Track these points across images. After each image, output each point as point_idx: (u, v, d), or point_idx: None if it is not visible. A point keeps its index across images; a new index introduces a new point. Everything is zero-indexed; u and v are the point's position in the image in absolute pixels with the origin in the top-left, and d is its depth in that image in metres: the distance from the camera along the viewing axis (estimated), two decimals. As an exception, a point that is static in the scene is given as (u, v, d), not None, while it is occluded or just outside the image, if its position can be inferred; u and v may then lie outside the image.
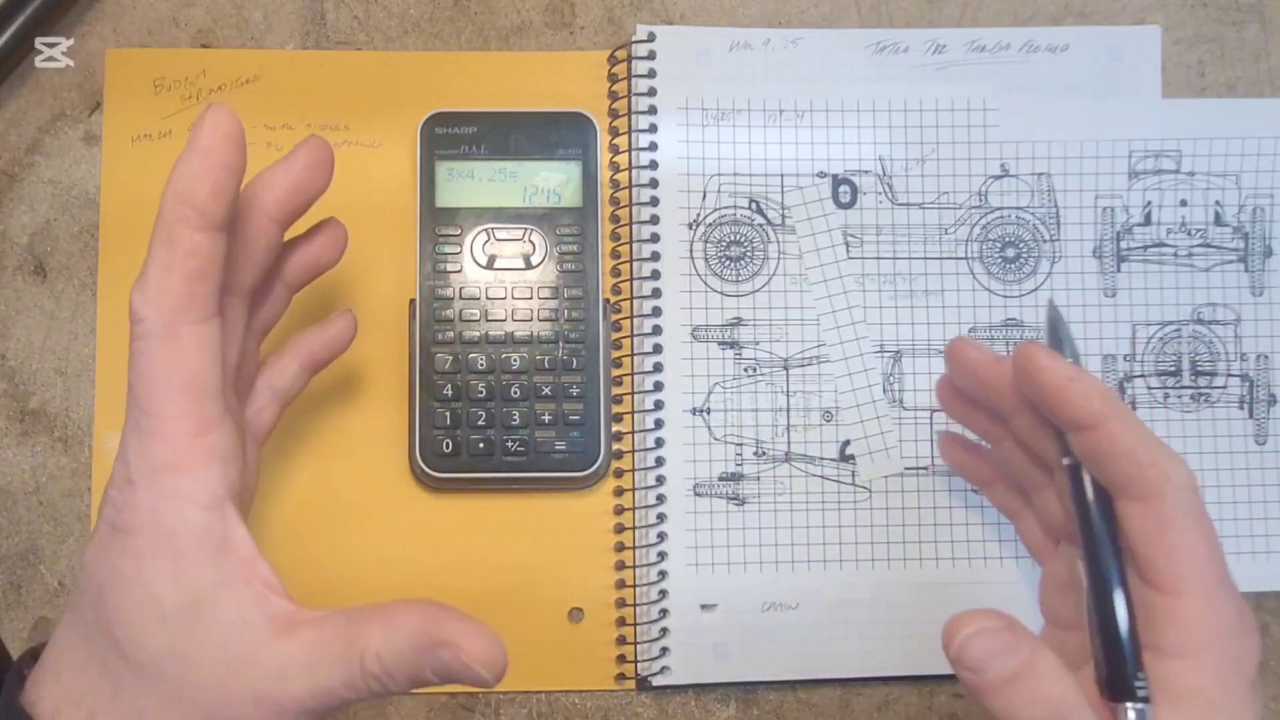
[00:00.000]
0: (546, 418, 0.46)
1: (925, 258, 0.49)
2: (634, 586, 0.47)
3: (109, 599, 0.30)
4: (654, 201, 0.48)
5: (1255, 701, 0.32)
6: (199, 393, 0.31)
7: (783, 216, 0.49)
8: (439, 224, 0.47)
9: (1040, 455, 0.38)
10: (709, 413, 0.48)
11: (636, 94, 0.49)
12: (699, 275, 0.49)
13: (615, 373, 0.48)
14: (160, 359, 0.30)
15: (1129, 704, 0.31)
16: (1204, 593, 0.32)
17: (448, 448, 0.46)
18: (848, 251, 0.49)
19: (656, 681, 0.47)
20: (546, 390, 0.46)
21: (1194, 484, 0.33)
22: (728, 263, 0.49)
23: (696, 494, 0.48)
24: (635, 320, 0.48)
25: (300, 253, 0.39)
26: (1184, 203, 0.50)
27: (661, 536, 0.47)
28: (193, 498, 0.30)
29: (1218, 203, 0.50)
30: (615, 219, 0.49)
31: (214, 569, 0.30)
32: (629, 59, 0.49)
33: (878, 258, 0.49)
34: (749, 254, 0.49)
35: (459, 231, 0.47)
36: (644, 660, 0.47)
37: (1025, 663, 0.30)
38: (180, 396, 0.30)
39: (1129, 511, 0.33)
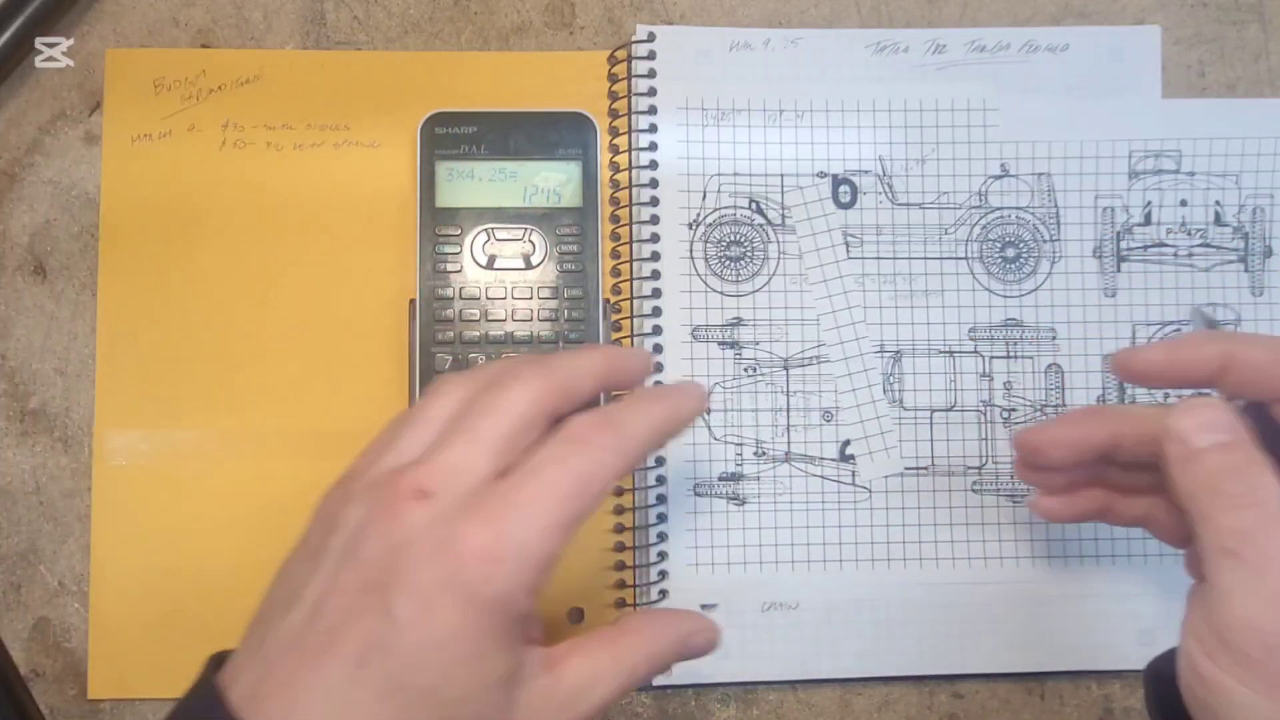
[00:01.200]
0: (546, 418, 0.46)
1: (925, 258, 0.49)
2: (634, 586, 0.47)
3: (438, 663, 0.31)
4: (654, 201, 0.48)
5: None
6: (587, 516, 0.33)
7: (783, 216, 0.49)
8: (439, 224, 0.47)
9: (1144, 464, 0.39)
10: (709, 412, 0.48)
11: (637, 94, 0.49)
12: (699, 275, 0.49)
13: (615, 373, 0.48)
14: (601, 486, 0.33)
15: None
16: (1263, 569, 0.32)
17: (448, 448, 0.46)
18: (848, 251, 0.49)
19: (656, 681, 0.47)
20: (546, 390, 0.46)
21: None
22: (728, 263, 0.49)
23: (697, 494, 0.48)
24: (635, 320, 0.48)
25: None
26: (1184, 203, 0.50)
27: (661, 536, 0.47)
28: (536, 590, 0.32)
29: (1218, 203, 0.50)
30: (615, 219, 0.49)
31: (523, 641, 0.33)
32: (629, 59, 0.49)
33: (878, 258, 0.49)
34: (749, 254, 0.49)
35: (459, 231, 0.47)
36: (644, 660, 0.47)
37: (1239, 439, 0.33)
38: (583, 518, 0.33)
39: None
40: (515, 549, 0.31)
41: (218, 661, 0.34)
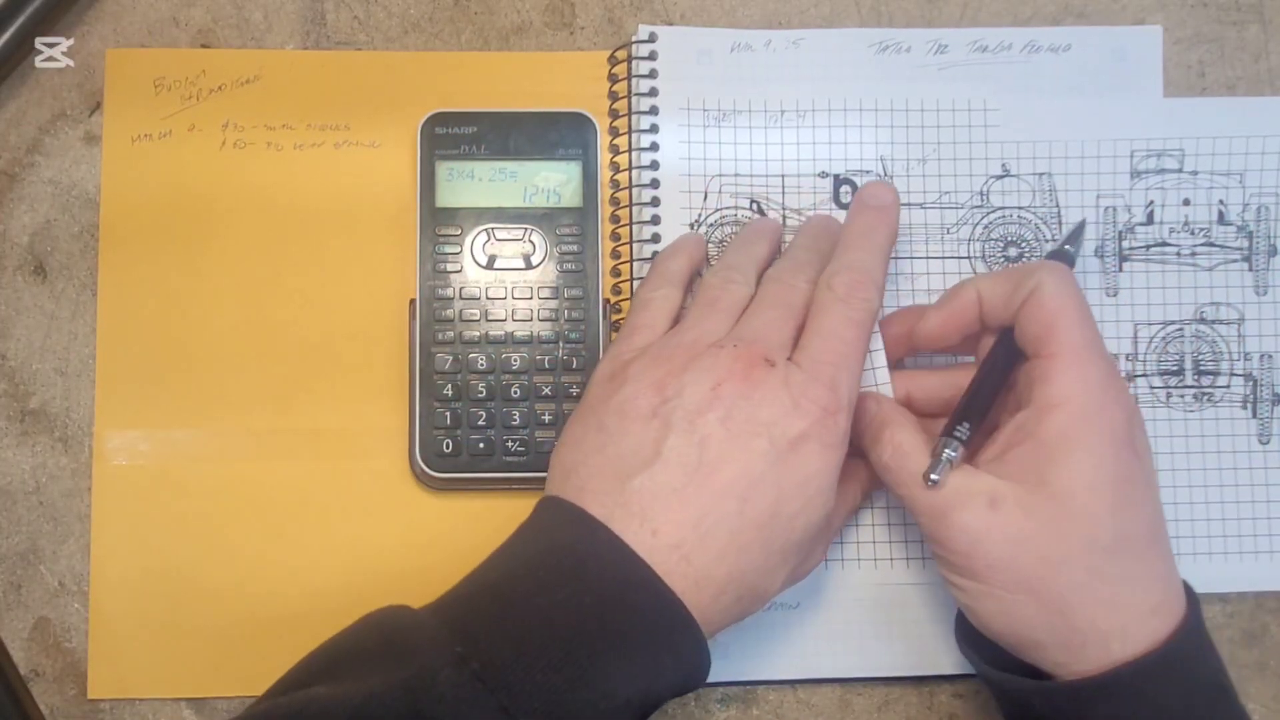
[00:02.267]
0: (547, 418, 0.46)
1: (927, 257, 0.49)
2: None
3: (809, 495, 0.38)
4: (655, 202, 0.48)
5: (1133, 462, 0.39)
6: None
7: (784, 217, 0.49)
8: (439, 224, 0.47)
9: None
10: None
11: (637, 94, 0.49)
12: (700, 275, 0.48)
13: (616, 373, 0.48)
14: (871, 327, 0.42)
15: (944, 438, 0.40)
16: (1073, 353, 0.39)
17: (448, 448, 0.46)
18: (849, 251, 0.49)
19: (657, 682, 0.47)
20: (547, 390, 0.46)
21: (1067, 274, 0.41)
22: (728, 263, 0.49)
23: (697, 494, 0.48)
24: (636, 320, 0.48)
25: None
26: (1187, 202, 0.50)
27: (662, 537, 0.47)
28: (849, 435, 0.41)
29: (1221, 202, 0.50)
30: (615, 219, 0.49)
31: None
32: (629, 59, 0.49)
33: (879, 257, 0.49)
34: (750, 254, 0.49)
35: (459, 231, 0.47)
36: (644, 661, 0.47)
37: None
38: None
39: (1021, 318, 0.41)
40: (846, 398, 0.39)
41: (552, 504, 0.40)
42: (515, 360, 0.46)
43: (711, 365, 0.39)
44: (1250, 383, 0.49)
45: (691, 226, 0.49)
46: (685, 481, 0.37)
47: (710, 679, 0.47)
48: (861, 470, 0.44)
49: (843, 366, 0.40)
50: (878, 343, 0.44)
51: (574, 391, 0.46)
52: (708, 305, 0.42)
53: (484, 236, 0.47)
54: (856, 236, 0.43)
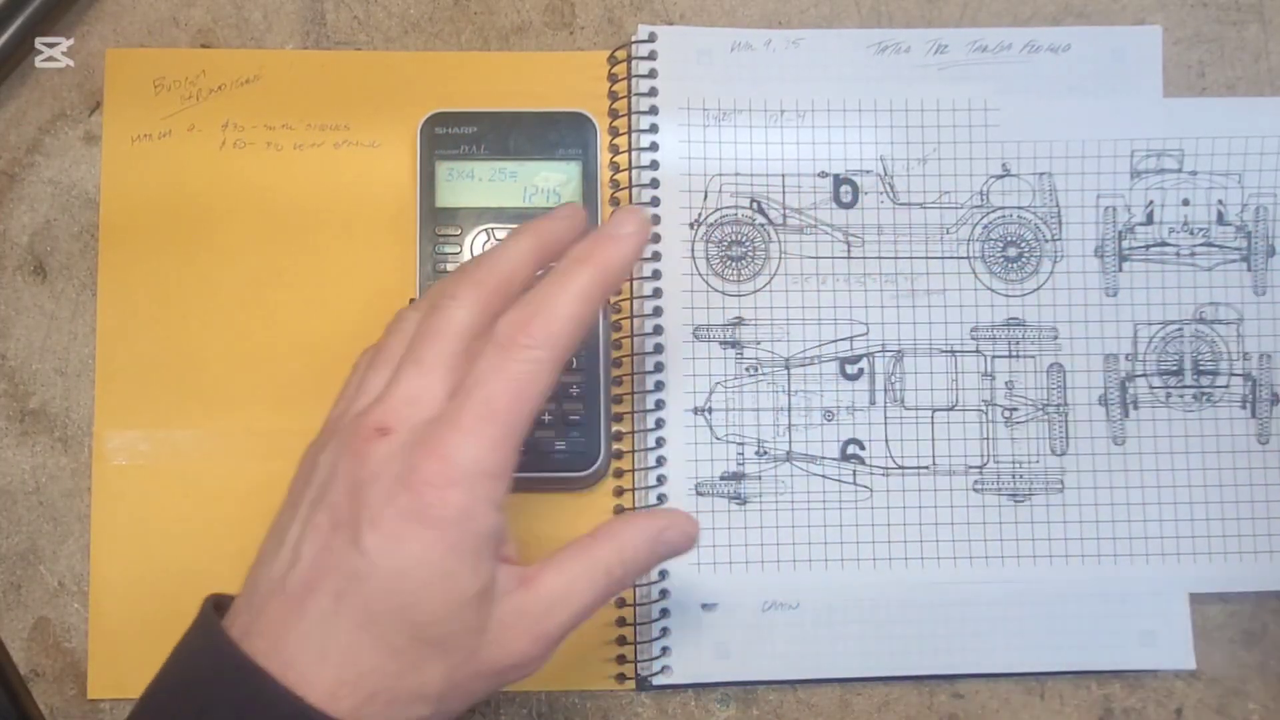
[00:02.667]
0: (546, 417, 0.46)
1: (927, 257, 0.49)
2: (634, 586, 0.47)
3: (409, 587, 0.32)
4: (655, 202, 0.48)
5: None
6: (536, 416, 0.35)
7: (784, 216, 0.49)
8: (439, 224, 0.47)
9: None
10: (710, 412, 0.48)
11: (637, 94, 0.49)
12: (700, 275, 0.49)
13: (616, 372, 0.48)
14: (538, 387, 0.34)
15: None
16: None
17: (448, 448, 0.46)
18: (849, 251, 0.49)
19: (656, 681, 0.47)
20: (547, 390, 0.46)
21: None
22: (729, 262, 0.49)
23: (698, 493, 0.48)
24: (636, 320, 0.48)
25: None
26: (1186, 202, 0.50)
27: (662, 537, 0.47)
28: (496, 502, 0.34)
29: (1220, 202, 0.50)
30: (616, 219, 0.49)
31: (495, 558, 0.34)
32: (629, 59, 0.49)
33: (879, 257, 0.49)
34: (750, 254, 0.49)
35: (459, 231, 0.47)
36: (644, 660, 0.47)
37: None
38: (530, 419, 0.34)
39: None
40: (465, 469, 0.33)
41: (215, 603, 0.35)
42: (515, 360, 0.46)
43: (338, 443, 0.35)
44: (1249, 383, 0.49)
45: (691, 226, 0.49)
46: (285, 581, 0.33)
47: (710, 679, 0.47)
48: (587, 557, 0.37)
49: (475, 432, 0.33)
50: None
51: (574, 391, 0.46)
52: (377, 357, 0.37)
53: (484, 236, 0.47)
54: (558, 270, 0.36)
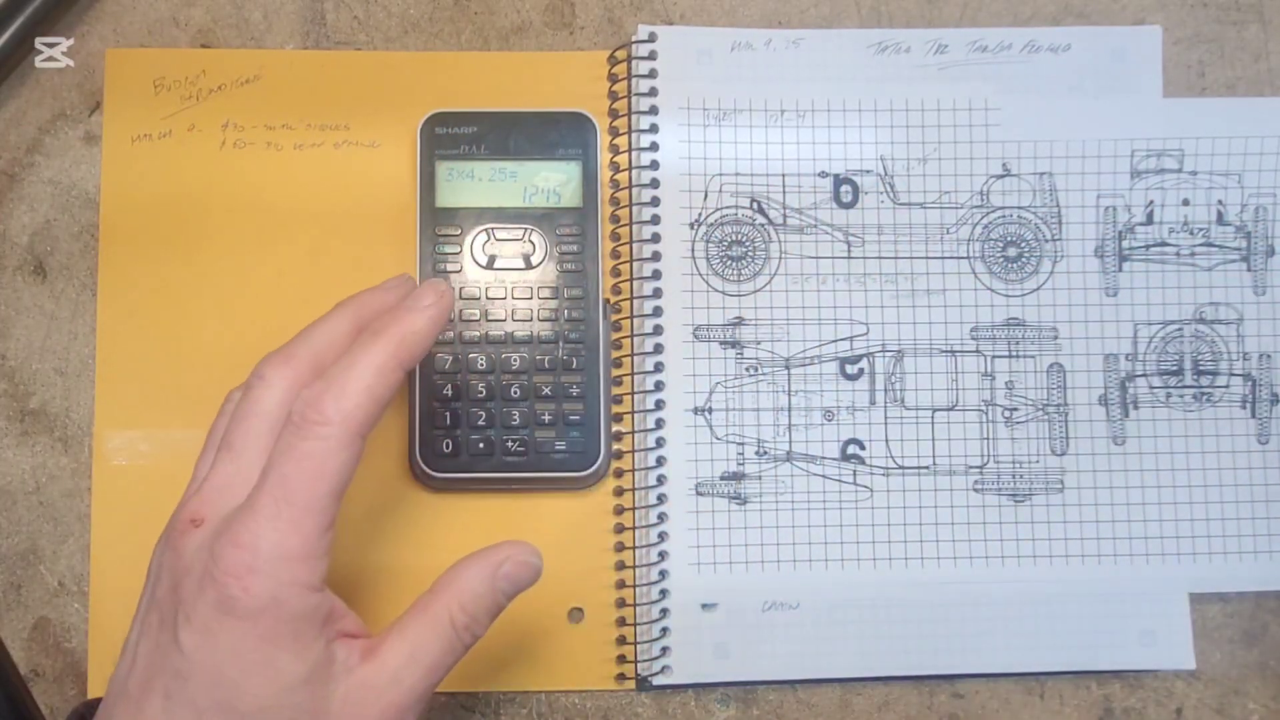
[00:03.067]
0: (546, 418, 0.46)
1: (927, 257, 0.49)
2: (634, 586, 0.47)
3: (230, 679, 0.32)
4: (655, 201, 0.48)
5: None
6: (342, 492, 0.34)
7: (784, 216, 0.49)
8: (439, 224, 0.47)
9: None
10: (710, 412, 0.48)
11: (637, 94, 0.49)
12: (700, 275, 0.49)
13: (616, 373, 0.48)
14: (334, 464, 0.33)
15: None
16: None
17: (448, 448, 0.46)
18: (849, 251, 0.49)
19: (657, 681, 0.47)
20: (546, 390, 0.46)
21: None
22: (729, 262, 0.49)
23: (698, 493, 0.48)
24: (636, 320, 0.48)
25: None
26: (1186, 202, 0.50)
27: (662, 536, 0.47)
28: (310, 584, 0.33)
29: (1220, 202, 0.50)
30: (615, 219, 0.48)
31: (324, 637, 0.33)
32: (629, 59, 0.49)
33: (879, 257, 0.49)
34: (750, 254, 0.49)
35: (459, 231, 0.47)
36: (644, 660, 0.47)
37: None
38: (332, 497, 0.34)
39: None
40: (265, 555, 0.32)
41: (79, 714, 0.37)
42: (515, 360, 0.46)
43: (164, 538, 0.35)
44: (1249, 383, 0.49)
45: (691, 226, 0.49)
46: (126, 684, 0.33)
47: (710, 679, 0.47)
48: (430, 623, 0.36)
49: (274, 516, 0.33)
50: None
51: (574, 391, 0.46)
52: (207, 441, 0.38)
53: (484, 236, 0.47)
54: (354, 344, 0.36)
